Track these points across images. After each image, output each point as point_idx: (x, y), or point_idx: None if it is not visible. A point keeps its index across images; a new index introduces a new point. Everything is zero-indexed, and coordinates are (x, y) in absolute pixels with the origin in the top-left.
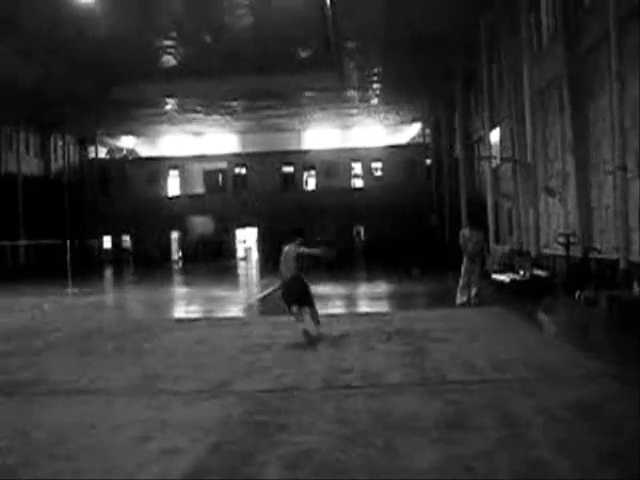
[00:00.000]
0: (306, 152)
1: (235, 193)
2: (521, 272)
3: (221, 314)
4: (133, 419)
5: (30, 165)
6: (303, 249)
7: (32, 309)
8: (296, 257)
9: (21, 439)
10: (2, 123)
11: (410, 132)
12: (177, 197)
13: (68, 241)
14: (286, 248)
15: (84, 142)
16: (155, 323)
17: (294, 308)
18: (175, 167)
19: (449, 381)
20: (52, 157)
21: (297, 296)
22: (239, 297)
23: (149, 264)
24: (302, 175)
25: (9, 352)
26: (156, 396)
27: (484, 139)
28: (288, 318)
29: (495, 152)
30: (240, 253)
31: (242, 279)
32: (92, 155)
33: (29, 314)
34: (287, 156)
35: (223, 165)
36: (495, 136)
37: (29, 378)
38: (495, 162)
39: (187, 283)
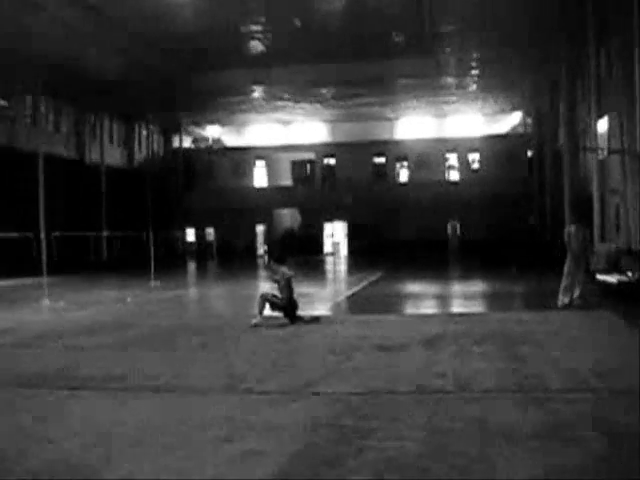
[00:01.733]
0: (398, 142)
1: (323, 185)
2: (629, 273)
3: (307, 312)
4: (216, 419)
5: (114, 155)
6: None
7: (116, 303)
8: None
9: (104, 436)
10: (86, 111)
11: (510, 121)
12: (263, 189)
13: (151, 233)
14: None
15: (168, 132)
16: (239, 319)
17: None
18: (261, 157)
19: (548, 389)
20: (136, 147)
21: None
22: (326, 294)
23: (233, 258)
24: (394, 167)
25: (94, 346)
26: (240, 395)
27: (590, 129)
28: (379, 317)
29: (602, 143)
30: (328, 248)
31: (329, 275)
32: (176, 145)
33: (113, 307)
34: (378, 146)
35: (311, 155)
36: (602, 126)
37: (114, 373)
38: (602, 154)
39: (256, 277)
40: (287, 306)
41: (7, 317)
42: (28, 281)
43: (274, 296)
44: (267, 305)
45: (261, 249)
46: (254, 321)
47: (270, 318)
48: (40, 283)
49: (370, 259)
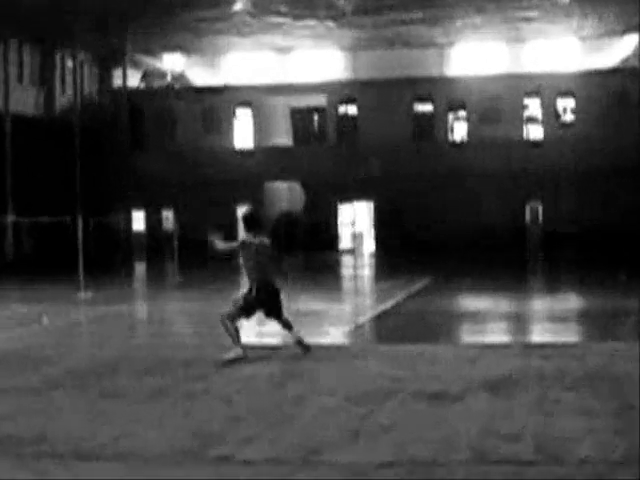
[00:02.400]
0: (452, 81)
1: (339, 146)
2: None
3: (315, 339)
4: None
5: (24, 100)
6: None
7: (28, 324)
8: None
9: None
10: None
11: (621, 49)
12: (248, 152)
13: (80, 218)
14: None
15: (106, 63)
16: (210, 349)
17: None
18: (246, 103)
19: None
20: (57, 87)
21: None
22: (343, 313)
23: (203, 255)
24: (445, 119)
25: None
26: (212, 466)
27: None
28: (421, 347)
29: None
30: (345, 242)
31: (348, 283)
32: (118, 83)
33: (24, 331)
34: (422, 87)
35: (321, 101)
36: None
37: (27, 433)
38: None
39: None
40: (264, 297)
41: None
42: None
43: (244, 297)
44: (240, 321)
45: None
46: (228, 355)
47: (254, 348)
48: None
49: (409, 259)
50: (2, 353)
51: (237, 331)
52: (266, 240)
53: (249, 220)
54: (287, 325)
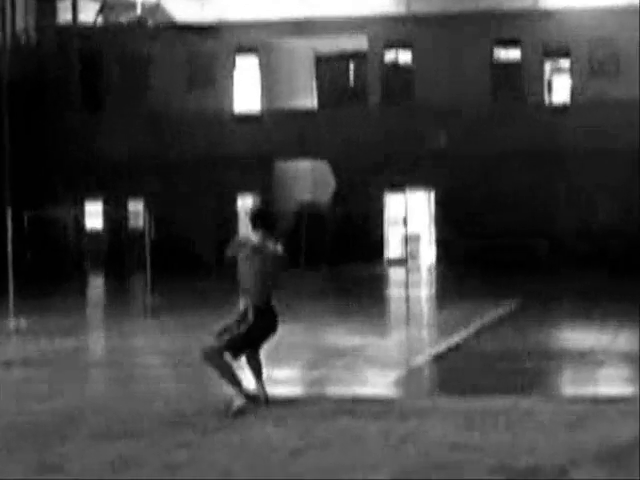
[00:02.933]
0: (549, 16)
1: (386, 110)
2: None
3: (349, 389)
4: None
5: None
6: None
7: None
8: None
9: None
10: None
11: None
12: (253, 118)
13: (8, 212)
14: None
15: None
16: (196, 405)
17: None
18: (251, 48)
19: None
20: None
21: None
22: (391, 351)
23: (188, 269)
24: (540, 70)
25: None
26: None
27: None
28: (502, 402)
29: None
30: (394, 248)
31: (398, 309)
32: (66, 18)
33: None
34: (507, 25)
35: (361, 44)
36: None
37: None
38: None
39: None
40: (264, 324)
41: None
42: None
43: (237, 325)
44: (236, 361)
45: None
46: (235, 406)
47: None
48: None
49: (485, 273)
50: None
51: (233, 370)
52: (280, 247)
53: (259, 218)
54: (258, 368)
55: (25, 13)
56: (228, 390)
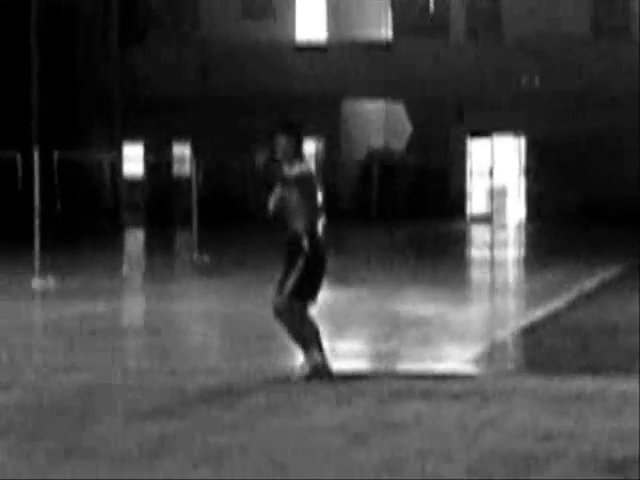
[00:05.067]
0: None
1: (470, 40)
2: None
3: (421, 365)
4: None
5: None
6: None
7: None
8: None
9: None
10: None
11: None
12: (318, 48)
13: (36, 153)
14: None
15: None
16: (247, 380)
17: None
18: None
19: None
20: None
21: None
22: (469, 322)
23: (241, 223)
24: None
25: None
26: None
27: None
28: (602, 383)
29: None
30: (478, 203)
31: (480, 273)
32: None
33: None
34: None
35: None
36: None
37: None
38: None
39: (336, 277)
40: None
41: None
42: None
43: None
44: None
45: None
46: (303, 370)
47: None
48: None
49: (584, 231)
50: None
51: (311, 327)
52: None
53: (295, 133)
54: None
55: None
56: (287, 360)
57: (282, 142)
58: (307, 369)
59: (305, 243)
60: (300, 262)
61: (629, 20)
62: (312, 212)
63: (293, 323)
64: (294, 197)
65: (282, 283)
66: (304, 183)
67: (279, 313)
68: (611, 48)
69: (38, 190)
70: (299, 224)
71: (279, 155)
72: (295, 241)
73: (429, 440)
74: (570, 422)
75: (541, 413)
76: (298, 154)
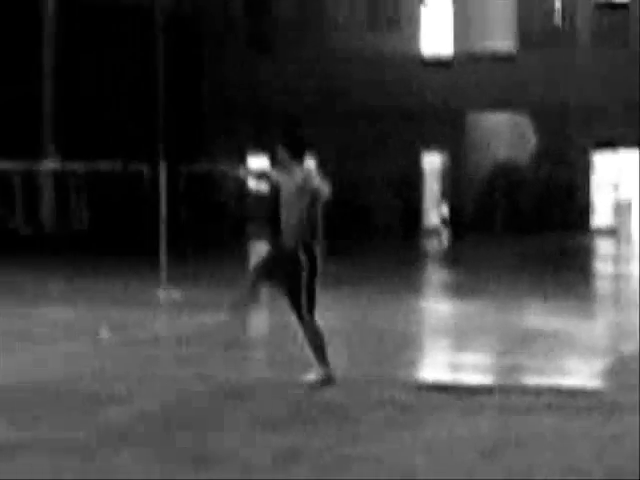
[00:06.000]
0: None
1: (598, 51)
2: None
3: (545, 379)
4: None
5: None
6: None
7: (77, 337)
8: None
9: None
10: None
11: None
12: (443, 61)
13: (162, 166)
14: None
15: None
16: (377, 391)
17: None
18: None
19: None
20: None
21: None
22: (595, 336)
23: (365, 236)
24: None
25: (24, 443)
26: None
27: None
28: None
29: None
30: (602, 216)
31: (607, 286)
32: None
33: (73, 349)
34: None
35: None
36: None
37: None
38: None
39: (460, 291)
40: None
41: None
42: None
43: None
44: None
45: (434, 214)
46: (320, 376)
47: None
48: None
49: None
50: (36, 384)
51: (322, 337)
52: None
53: (293, 146)
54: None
55: None
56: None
57: (282, 153)
58: (320, 378)
59: (303, 258)
60: (303, 277)
61: None
62: (307, 222)
63: (314, 337)
64: (293, 206)
65: (296, 303)
66: (301, 193)
67: (307, 331)
68: None
69: (165, 202)
70: (296, 236)
71: (279, 165)
72: (294, 257)
73: (558, 454)
74: None
75: None
76: (297, 164)
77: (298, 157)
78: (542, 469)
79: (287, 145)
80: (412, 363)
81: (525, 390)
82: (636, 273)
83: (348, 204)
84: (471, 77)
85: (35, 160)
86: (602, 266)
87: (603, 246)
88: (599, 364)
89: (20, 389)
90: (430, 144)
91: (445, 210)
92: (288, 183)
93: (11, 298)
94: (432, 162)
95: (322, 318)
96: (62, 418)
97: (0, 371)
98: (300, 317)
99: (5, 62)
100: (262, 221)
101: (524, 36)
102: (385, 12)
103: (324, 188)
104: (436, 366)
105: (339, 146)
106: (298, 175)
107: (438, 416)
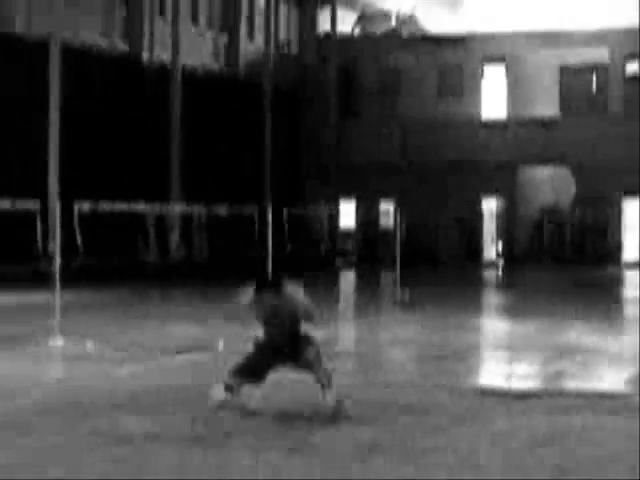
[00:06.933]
0: None
1: (627, 118)
2: None
3: (585, 385)
4: None
5: (198, 47)
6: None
7: (196, 350)
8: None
9: None
10: None
11: None
12: (499, 124)
13: (269, 209)
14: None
15: (309, 1)
16: (442, 396)
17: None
18: (498, 59)
19: None
20: (243, 32)
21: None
22: (624, 349)
23: (433, 266)
24: None
25: (150, 435)
26: None
27: None
28: None
29: None
30: (631, 252)
31: (632, 310)
32: (325, 29)
33: (193, 359)
34: None
35: (603, 56)
36: None
37: None
38: None
39: (512, 311)
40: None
41: None
42: (25, 298)
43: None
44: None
45: (491, 248)
46: (333, 402)
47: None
48: (48, 303)
49: None
50: (162, 389)
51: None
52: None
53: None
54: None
55: (287, 24)
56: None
57: (267, 295)
58: (334, 404)
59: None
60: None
61: None
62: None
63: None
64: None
65: (308, 362)
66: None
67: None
68: None
69: (270, 238)
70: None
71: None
72: (297, 338)
73: (596, 448)
74: None
75: None
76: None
77: (278, 287)
78: (584, 461)
79: (269, 286)
80: (475, 372)
81: (567, 394)
82: None
83: (420, 242)
84: (522, 137)
85: (165, 203)
86: (630, 292)
87: (631, 276)
88: (626, 373)
89: (147, 392)
90: (488, 191)
91: (500, 246)
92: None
93: (144, 316)
94: (490, 206)
95: (396, 333)
96: (186, 411)
97: (130, 376)
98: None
99: (143, 130)
100: (349, 254)
101: (565, 104)
102: (451, 83)
103: (310, 309)
104: (494, 375)
105: (414, 194)
106: (288, 300)
107: (496, 415)
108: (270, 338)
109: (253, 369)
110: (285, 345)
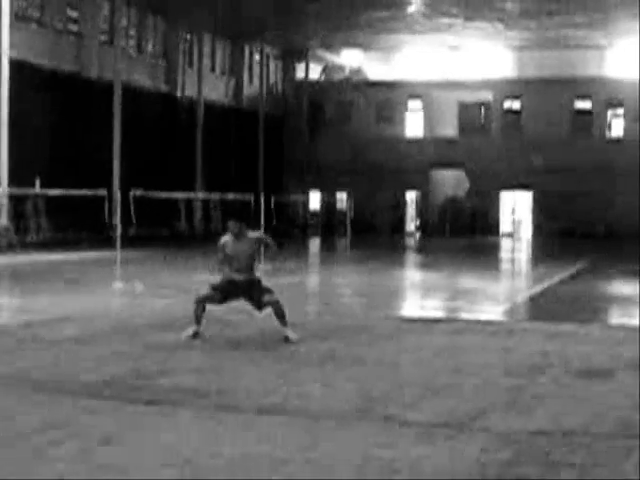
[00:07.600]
0: (611, 81)
1: (503, 138)
2: None
3: (471, 315)
4: (345, 456)
5: (215, 88)
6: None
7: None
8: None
9: (192, 469)
10: (179, 28)
11: None
12: (417, 140)
13: (262, 196)
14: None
15: (290, 57)
16: (375, 321)
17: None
18: (417, 96)
19: None
20: (245, 77)
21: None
22: (500, 292)
23: (372, 235)
24: (604, 115)
25: (179, 346)
26: (378, 425)
27: None
28: (574, 327)
29: None
30: (505, 227)
31: (505, 265)
32: (301, 76)
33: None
34: (582, 86)
35: (487, 96)
36: None
37: (207, 386)
38: None
39: (425, 266)
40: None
41: (68, 303)
42: (96, 255)
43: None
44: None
45: (411, 225)
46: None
47: (417, 321)
48: (112, 258)
49: (564, 246)
50: (189, 314)
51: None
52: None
53: (239, 219)
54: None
55: (275, 73)
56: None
57: (232, 224)
58: (295, 336)
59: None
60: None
61: (592, 125)
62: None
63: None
64: (251, 252)
65: (261, 299)
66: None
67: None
68: (582, 143)
69: (262, 217)
70: (254, 268)
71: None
72: (253, 280)
73: (480, 357)
74: (562, 347)
75: (545, 342)
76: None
77: (245, 223)
78: (474, 365)
79: (238, 219)
80: (397, 305)
81: (459, 320)
82: (524, 258)
83: (364, 219)
84: (433, 150)
85: (192, 192)
86: (504, 254)
87: (505, 243)
88: (502, 307)
89: (176, 317)
90: (410, 186)
91: (417, 222)
92: (241, 245)
93: (177, 268)
94: (411, 196)
95: (345, 278)
96: (205, 329)
97: (166, 306)
98: (259, 307)
99: (177, 144)
100: (316, 227)
101: (462, 128)
102: (385, 113)
103: (270, 240)
104: (411, 307)
105: (360, 187)
106: (250, 234)
107: (412, 335)
108: (229, 276)
109: (212, 297)
110: (242, 282)
